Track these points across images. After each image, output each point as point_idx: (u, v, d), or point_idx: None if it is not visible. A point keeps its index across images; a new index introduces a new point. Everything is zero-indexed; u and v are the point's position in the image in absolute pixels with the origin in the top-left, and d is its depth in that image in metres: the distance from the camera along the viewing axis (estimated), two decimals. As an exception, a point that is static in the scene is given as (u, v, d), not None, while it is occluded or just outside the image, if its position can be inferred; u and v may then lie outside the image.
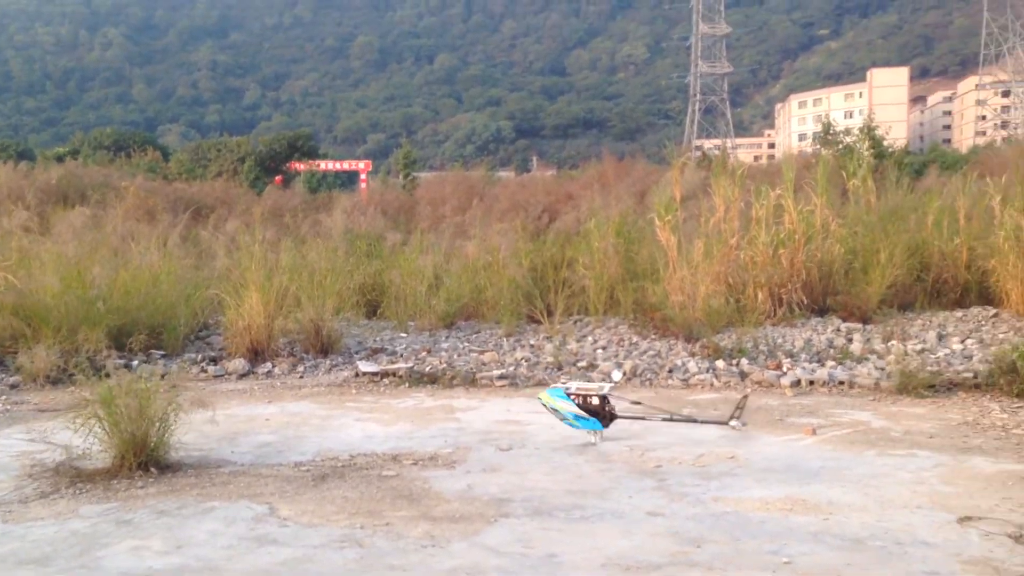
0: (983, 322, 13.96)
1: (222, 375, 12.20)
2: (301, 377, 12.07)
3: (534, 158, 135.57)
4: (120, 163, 41.68)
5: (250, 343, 12.60)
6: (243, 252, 13.53)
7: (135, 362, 11.94)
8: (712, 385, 10.96)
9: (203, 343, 13.87)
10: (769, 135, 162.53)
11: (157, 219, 20.98)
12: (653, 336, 13.35)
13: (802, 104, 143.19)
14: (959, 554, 5.34)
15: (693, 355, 12.04)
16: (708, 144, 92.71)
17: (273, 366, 12.44)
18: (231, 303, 12.78)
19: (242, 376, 12.15)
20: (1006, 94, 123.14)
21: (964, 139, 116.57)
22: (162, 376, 9.45)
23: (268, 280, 12.61)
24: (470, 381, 11.38)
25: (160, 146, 64.25)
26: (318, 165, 54.49)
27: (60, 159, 42.52)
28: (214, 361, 12.71)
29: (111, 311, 12.31)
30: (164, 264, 14.01)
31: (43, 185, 24.61)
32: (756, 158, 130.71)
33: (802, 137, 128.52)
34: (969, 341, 12.45)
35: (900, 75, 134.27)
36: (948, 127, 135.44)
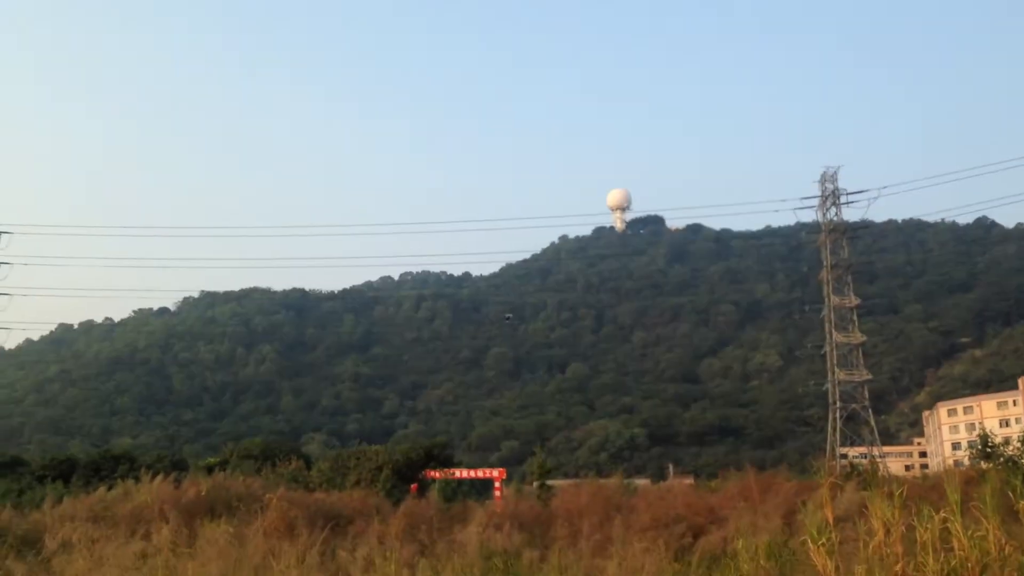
0: None
1: None
2: None
3: (670, 466, 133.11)
4: (266, 473, 43.14)
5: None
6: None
7: None
8: None
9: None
10: (919, 443, 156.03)
11: (296, 532, 21.14)
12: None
13: (951, 412, 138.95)
14: None
15: None
16: (853, 452, 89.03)
17: None
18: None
19: None
20: None
21: None
22: None
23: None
24: None
25: (303, 454, 66.51)
26: (452, 473, 54.78)
27: (210, 469, 44.32)
28: None
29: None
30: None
31: (192, 497, 25.44)
32: (908, 467, 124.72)
33: (956, 446, 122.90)
34: None
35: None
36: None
